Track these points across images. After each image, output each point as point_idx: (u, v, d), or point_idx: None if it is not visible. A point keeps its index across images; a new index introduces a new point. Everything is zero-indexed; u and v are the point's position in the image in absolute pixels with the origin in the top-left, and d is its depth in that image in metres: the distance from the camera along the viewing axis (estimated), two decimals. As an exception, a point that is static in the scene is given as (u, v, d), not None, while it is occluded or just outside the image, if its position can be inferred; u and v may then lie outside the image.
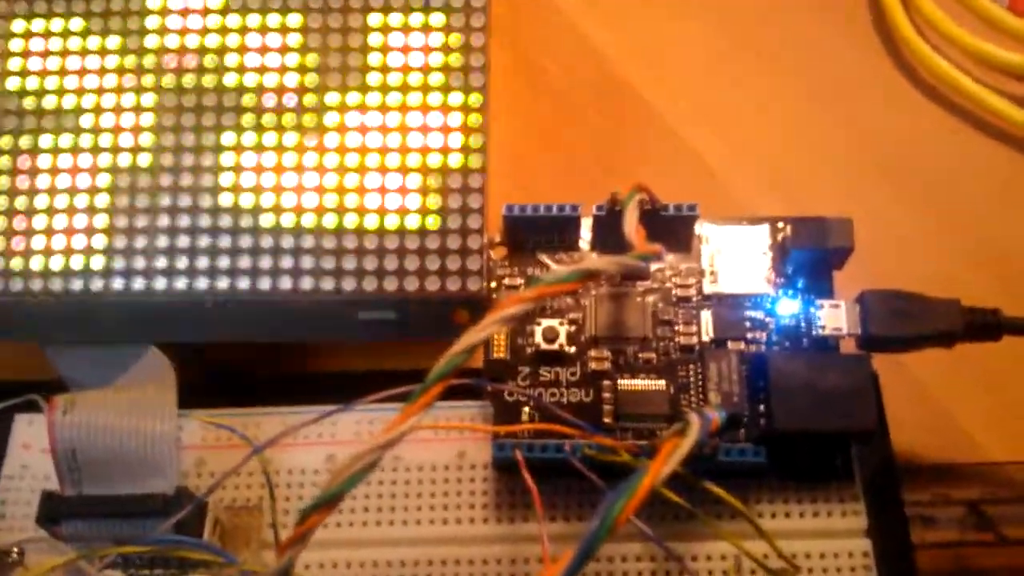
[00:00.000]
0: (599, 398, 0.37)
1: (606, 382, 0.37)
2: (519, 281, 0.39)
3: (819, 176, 0.47)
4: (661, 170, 0.47)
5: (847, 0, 0.51)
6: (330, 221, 0.37)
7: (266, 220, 0.37)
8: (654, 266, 0.37)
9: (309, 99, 0.38)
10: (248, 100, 0.38)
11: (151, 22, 0.39)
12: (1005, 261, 0.44)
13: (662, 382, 0.37)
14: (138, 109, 0.38)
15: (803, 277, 0.38)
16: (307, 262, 0.37)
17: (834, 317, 0.36)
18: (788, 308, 0.37)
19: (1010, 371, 0.41)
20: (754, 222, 0.39)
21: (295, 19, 0.39)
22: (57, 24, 0.39)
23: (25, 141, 0.38)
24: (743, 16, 0.51)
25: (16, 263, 0.37)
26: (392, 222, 0.37)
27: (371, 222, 0.37)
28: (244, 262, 0.37)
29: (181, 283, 0.37)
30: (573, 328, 0.38)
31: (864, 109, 0.48)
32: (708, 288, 0.38)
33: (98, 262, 0.37)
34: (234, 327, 0.38)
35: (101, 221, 0.38)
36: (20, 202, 0.38)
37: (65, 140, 0.38)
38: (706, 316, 0.37)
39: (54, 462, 0.34)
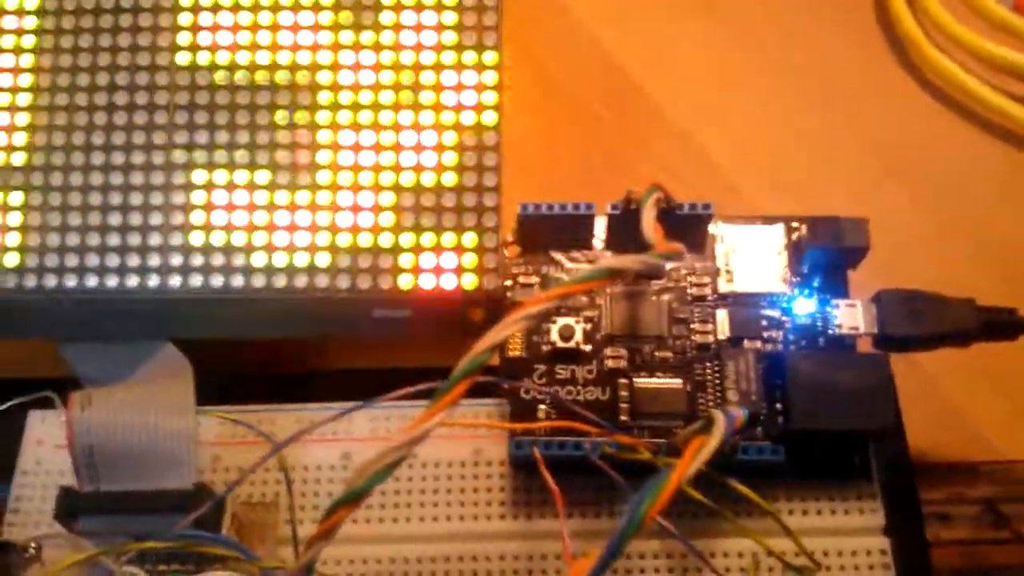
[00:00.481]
0: (615, 396, 0.37)
1: (622, 380, 0.37)
2: (534, 279, 0.39)
3: (825, 176, 0.47)
4: (668, 169, 0.47)
5: (854, 1, 0.51)
6: (346, 219, 0.37)
7: (281, 218, 0.37)
8: (669, 265, 0.37)
9: (326, 96, 0.38)
10: (263, 98, 0.38)
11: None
12: (1012, 260, 0.44)
13: (678, 380, 0.37)
14: (151, 107, 0.38)
15: (818, 276, 0.38)
16: (322, 259, 0.37)
17: (850, 316, 0.37)
18: (804, 307, 0.37)
19: (1025, 370, 0.41)
20: (768, 221, 0.39)
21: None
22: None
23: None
24: (750, 17, 0.51)
25: (31, 260, 0.37)
26: (408, 220, 0.37)
27: (386, 220, 0.37)
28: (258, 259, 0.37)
29: (196, 280, 0.37)
30: (589, 326, 0.38)
31: (869, 109, 0.49)
32: (723, 287, 0.38)
33: (113, 259, 0.37)
34: (250, 324, 0.38)
35: (115, 219, 0.37)
36: (35, 198, 0.38)
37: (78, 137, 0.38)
38: (722, 315, 0.38)
39: (72, 458, 0.34)
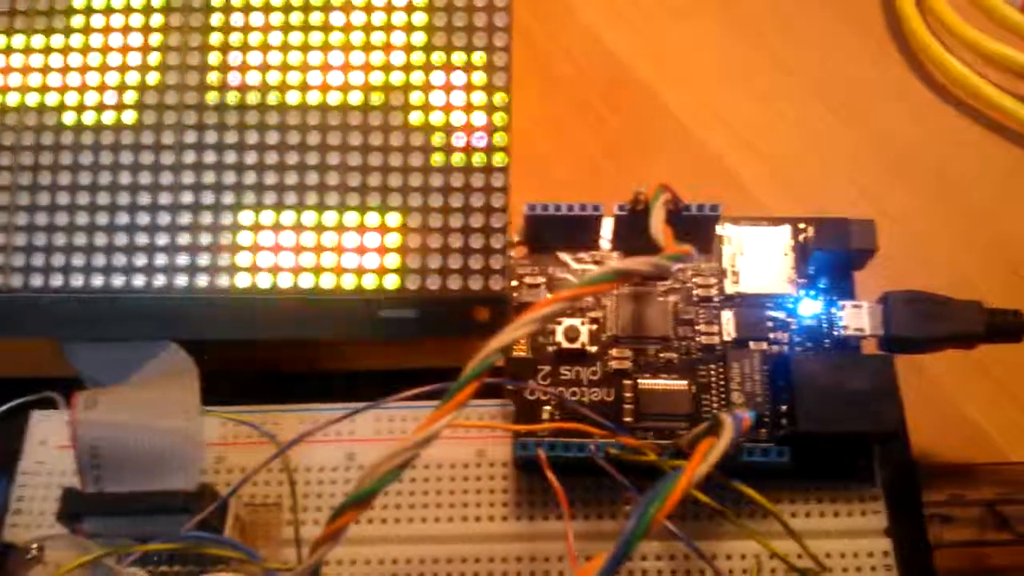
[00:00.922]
0: (620, 397, 0.37)
1: (627, 381, 0.37)
2: (540, 280, 0.39)
3: (833, 176, 0.47)
4: (674, 169, 0.47)
5: (862, 3, 0.52)
6: (352, 219, 0.37)
7: (287, 218, 0.37)
8: (676, 266, 0.37)
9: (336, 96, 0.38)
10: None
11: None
12: (1019, 261, 0.44)
13: (683, 382, 0.37)
14: (161, 107, 0.38)
15: (824, 278, 0.38)
16: (328, 260, 0.37)
17: (856, 318, 0.37)
18: (810, 309, 0.37)
19: (1027, 372, 0.41)
20: (775, 223, 0.39)
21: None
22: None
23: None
24: (757, 18, 0.51)
25: (37, 260, 0.37)
26: (415, 221, 0.37)
27: (393, 220, 0.37)
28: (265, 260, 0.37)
29: (202, 280, 0.37)
30: (594, 327, 0.38)
31: (877, 110, 0.49)
32: (729, 288, 0.38)
33: (120, 259, 0.37)
34: (255, 325, 0.38)
35: (123, 218, 0.37)
36: (42, 198, 0.38)
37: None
38: (727, 316, 0.38)
39: (76, 459, 0.34)
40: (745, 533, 0.34)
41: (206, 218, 0.37)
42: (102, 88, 0.38)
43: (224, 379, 0.39)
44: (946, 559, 0.36)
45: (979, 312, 0.36)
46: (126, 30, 0.39)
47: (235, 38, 0.38)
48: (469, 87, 0.38)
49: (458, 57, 0.38)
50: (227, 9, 0.39)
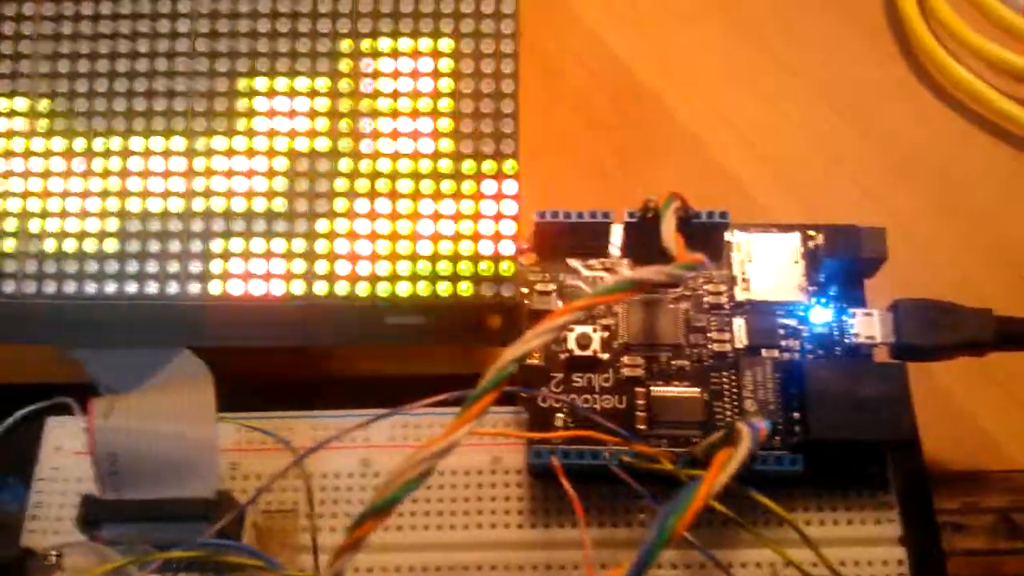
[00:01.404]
0: (632, 405, 0.37)
1: (639, 389, 0.37)
2: (550, 287, 0.39)
3: (836, 178, 0.47)
4: (680, 175, 0.47)
5: (866, 7, 0.52)
6: (363, 226, 0.37)
7: (300, 225, 0.37)
8: (689, 275, 0.37)
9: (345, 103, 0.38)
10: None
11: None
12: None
13: (696, 389, 0.37)
14: (169, 112, 0.38)
15: (835, 285, 0.38)
16: (343, 268, 0.37)
17: (867, 325, 0.37)
18: (821, 316, 0.38)
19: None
20: (785, 229, 0.39)
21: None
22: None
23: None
24: (762, 22, 0.51)
25: (48, 266, 0.37)
26: (426, 229, 0.37)
27: (404, 227, 0.37)
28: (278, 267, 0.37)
29: (215, 288, 0.37)
30: (606, 334, 0.38)
31: (882, 115, 0.49)
32: (740, 295, 0.38)
33: (132, 265, 0.37)
34: (266, 331, 0.38)
35: (134, 225, 0.37)
36: (53, 204, 0.38)
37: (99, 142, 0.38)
38: (739, 323, 0.38)
39: (94, 466, 0.34)
40: (760, 541, 0.34)
41: (220, 225, 0.37)
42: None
43: (236, 386, 0.39)
44: (959, 567, 0.36)
45: (989, 320, 0.36)
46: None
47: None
48: (478, 94, 0.38)
49: (467, 65, 0.38)
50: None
